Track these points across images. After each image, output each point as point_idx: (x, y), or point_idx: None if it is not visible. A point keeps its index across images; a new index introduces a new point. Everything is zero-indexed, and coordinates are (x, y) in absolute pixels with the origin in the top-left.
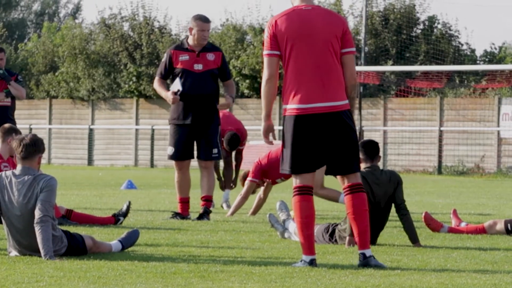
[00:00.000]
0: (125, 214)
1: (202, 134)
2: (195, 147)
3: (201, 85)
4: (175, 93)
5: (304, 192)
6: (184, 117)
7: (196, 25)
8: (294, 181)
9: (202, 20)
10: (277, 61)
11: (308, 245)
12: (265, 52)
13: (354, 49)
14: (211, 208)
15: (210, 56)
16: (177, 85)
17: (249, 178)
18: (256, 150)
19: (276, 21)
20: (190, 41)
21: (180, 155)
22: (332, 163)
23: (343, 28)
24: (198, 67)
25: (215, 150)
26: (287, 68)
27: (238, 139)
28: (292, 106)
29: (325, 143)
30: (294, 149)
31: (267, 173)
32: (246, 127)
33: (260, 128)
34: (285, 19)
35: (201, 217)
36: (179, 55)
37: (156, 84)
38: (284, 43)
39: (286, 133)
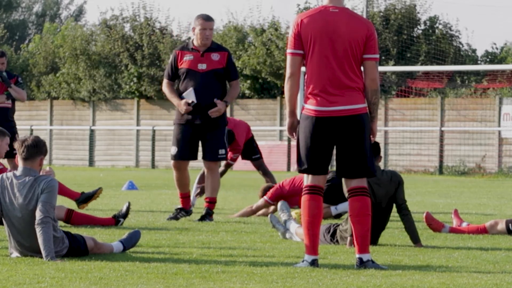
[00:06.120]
0: (125, 215)
1: (209, 134)
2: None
3: (205, 84)
4: (188, 104)
5: (314, 192)
6: (190, 116)
7: (198, 24)
8: (306, 180)
9: (204, 19)
10: (300, 60)
11: (312, 245)
12: (288, 50)
13: (376, 55)
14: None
15: (215, 56)
16: (191, 96)
17: (265, 197)
18: None
19: (301, 20)
20: (195, 41)
21: (183, 154)
22: (343, 165)
23: (366, 34)
24: (202, 66)
25: (221, 151)
26: (309, 68)
27: (231, 133)
28: (311, 107)
29: (340, 145)
30: (311, 150)
31: (286, 199)
32: None
33: (260, 128)
34: (310, 19)
35: (203, 218)
36: (184, 55)
37: (166, 89)
38: (307, 43)
39: (303, 133)
